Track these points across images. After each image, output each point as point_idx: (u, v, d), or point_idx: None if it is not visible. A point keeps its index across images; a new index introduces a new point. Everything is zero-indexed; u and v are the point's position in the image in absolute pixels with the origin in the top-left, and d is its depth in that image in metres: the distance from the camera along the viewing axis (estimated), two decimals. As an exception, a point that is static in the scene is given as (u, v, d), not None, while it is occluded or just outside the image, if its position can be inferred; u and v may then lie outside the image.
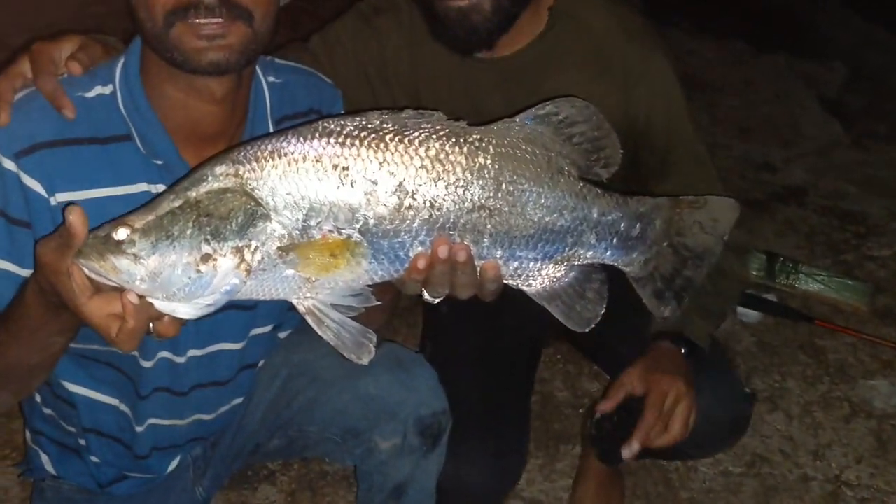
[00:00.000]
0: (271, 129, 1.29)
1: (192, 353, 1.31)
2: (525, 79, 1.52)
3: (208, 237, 0.91)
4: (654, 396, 1.45)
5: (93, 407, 1.34)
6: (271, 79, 1.31)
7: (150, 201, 0.96)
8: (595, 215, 1.08)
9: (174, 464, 1.47)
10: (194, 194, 0.94)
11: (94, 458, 1.40)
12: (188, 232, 0.91)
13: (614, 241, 1.10)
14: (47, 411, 1.41)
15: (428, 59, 1.55)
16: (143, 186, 1.18)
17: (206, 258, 0.91)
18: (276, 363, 1.51)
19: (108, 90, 1.18)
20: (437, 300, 1.07)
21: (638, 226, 1.11)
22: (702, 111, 3.99)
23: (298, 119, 1.34)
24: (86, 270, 0.89)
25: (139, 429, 1.36)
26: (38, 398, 1.40)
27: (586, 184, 1.07)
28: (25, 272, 1.15)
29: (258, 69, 1.27)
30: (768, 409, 2.35)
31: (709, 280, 1.25)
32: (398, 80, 1.58)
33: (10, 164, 1.11)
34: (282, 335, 1.51)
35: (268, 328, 1.42)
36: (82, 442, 1.39)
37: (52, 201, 1.13)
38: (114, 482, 1.43)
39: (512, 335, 1.77)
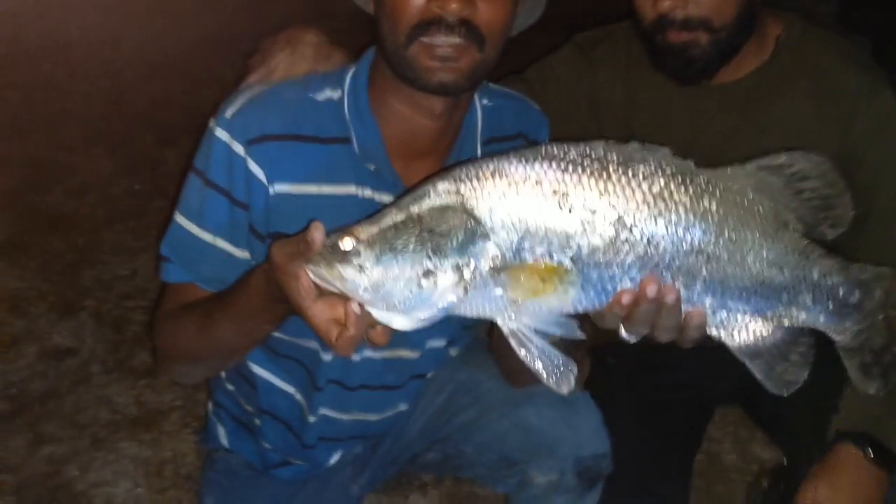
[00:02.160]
0: (479, 150, 1.32)
1: (368, 354, 1.35)
2: (747, 106, 1.48)
3: (430, 253, 0.93)
4: None
5: (271, 391, 1.41)
6: (485, 101, 1.35)
7: (373, 214, 0.99)
8: (815, 276, 1.02)
9: (336, 457, 1.51)
10: (417, 210, 0.95)
11: (264, 442, 1.47)
12: (411, 247, 0.93)
13: (830, 306, 1.03)
14: (230, 387, 1.49)
15: (644, 88, 1.54)
16: (351, 189, 1.24)
17: (427, 273, 0.93)
18: (444, 378, 1.53)
19: (336, 95, 1.25)
20: (633, 339, 1.03)
21: (857, 293, 1.04)
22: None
23: (505, 143, 1.37)
24: (312, 276, 0.93)
25: (312, 419, 1.41)
26: (223, 374, 1.49)
27: (810, 242, 1.02)
28: (239, 252, 1.23)
29: (475, 92, 1.31)
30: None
31: None
32: (610, 109, 1.57)
33: (239, 150, 1.19)
34: (453, 352, 1.53)
35: (442, 342, 1.45)
36: (257, 422, 1.46)
37: (271, 190, 1.20)
38: (278, 466, 1.49)
39: (682, 391, 1.70)
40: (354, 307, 0.92)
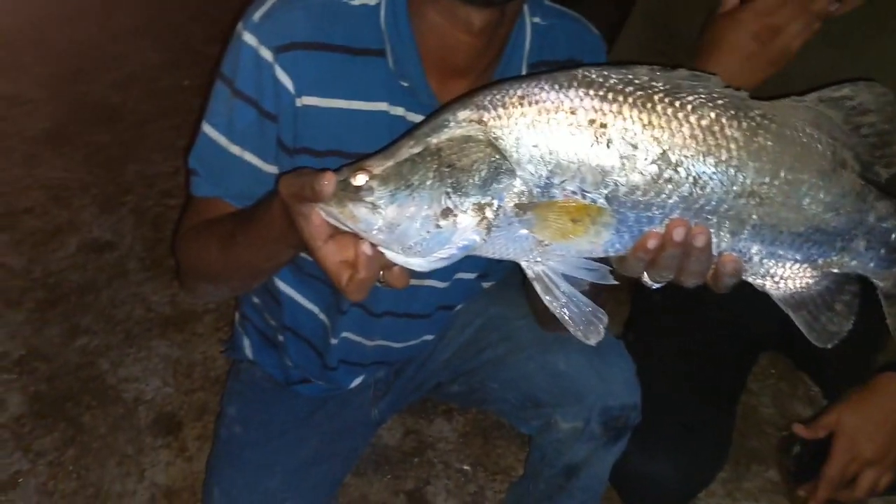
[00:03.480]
0: (524, 72, 1.21)
1: None
2: (849, 42, 1.37)
3: (449, 190, 0.84)
4: (841, 454, 1.34)
5: (296, 308, 1.37)
6: (537, 20, 1.22)
7: (389, 145, 0.90)
8: (871, 220, 0.91)
9: (357, 381, 1.49)
10: (435, 141, 0.86)
11: (287, 358, 1.44)
12: (428, 183, 0.84)
13: (882, 251, 0.94)
14: (256, 300, 1.46)
15: None
16: (383, 106, 1.15)
17: (446, 213, 0.84)
18: (474, 310, 1.49)
19: (373, 1, 1.14)
20: (657, 286, 0.94)
21: None
22: None
23: (554, 67, 1.27)
24: (323, 214, 0.86)
25: (334, 341, 1.37)
26: (250, 287, 1.46)
27: (866, 183, 0.91)
28: (267, 167, 1.17)
29: (525, 8, 1.19)
30: None
31: None
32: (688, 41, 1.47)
33: (267, 56, 1.10)
34: (485, 285, 1.47)
35: (473, 275, 1.38)
36: (281, 338, 1.43)
37: (298, 102, 1.12)
38: (299, 382, 1.48)
39: (727, 332, 1.63)
40: (366, 248, 0.84)
